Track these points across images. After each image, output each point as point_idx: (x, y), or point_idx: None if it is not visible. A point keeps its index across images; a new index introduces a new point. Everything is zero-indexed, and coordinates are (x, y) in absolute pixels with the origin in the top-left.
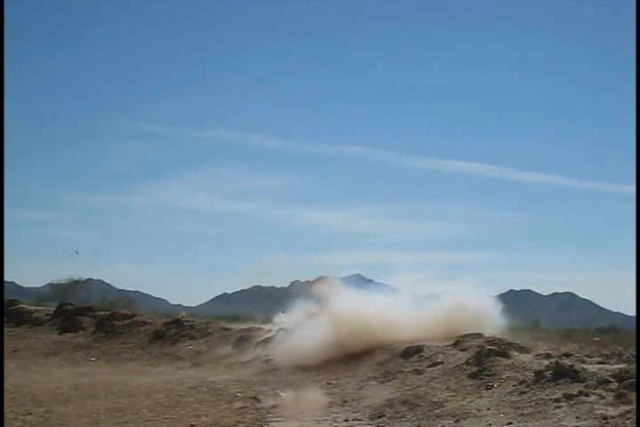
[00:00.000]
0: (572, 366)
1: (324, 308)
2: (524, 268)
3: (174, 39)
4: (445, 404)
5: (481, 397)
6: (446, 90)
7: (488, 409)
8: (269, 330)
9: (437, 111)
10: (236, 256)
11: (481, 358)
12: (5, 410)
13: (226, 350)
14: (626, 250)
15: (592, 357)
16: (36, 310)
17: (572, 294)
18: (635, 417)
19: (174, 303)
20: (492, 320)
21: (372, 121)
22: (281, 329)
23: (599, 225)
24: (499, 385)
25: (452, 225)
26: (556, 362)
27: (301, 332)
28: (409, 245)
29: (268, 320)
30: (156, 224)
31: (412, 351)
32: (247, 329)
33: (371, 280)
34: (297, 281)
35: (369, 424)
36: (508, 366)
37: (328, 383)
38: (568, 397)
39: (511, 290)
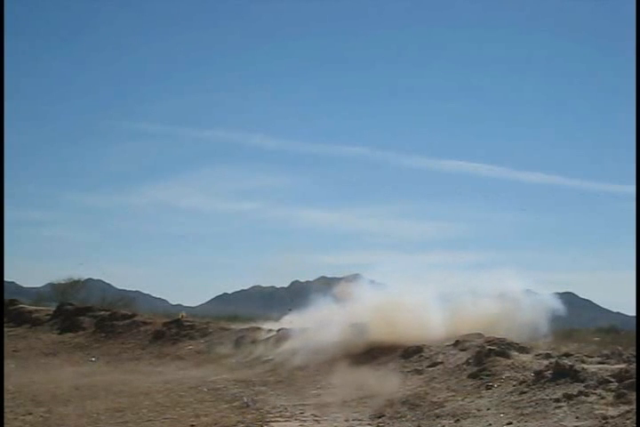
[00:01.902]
0: (572, 366)
1: (343, 306)
2: (524, 268)
3: (174, 39)
4: (445, 404)
5: (481, 397)
6: (446, 90)
7: (488, 409)
8: (270, 330)
9: (437, 111)
10: (235, 256)
11: (481, 358)
12: (5, 410)
13: (226, 349)
14: (626, 250)
15: (592, 357)
16: (36, 310)
17: (572, 294)
18: (635, 417)
19: (174, 303)
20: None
21: (372, 121)
22: (282, 329)
23: (599, 225)
24: (499, 385)
25: (452, 225)
26: (556, 362)
27: (305, 332)
28: (409, 245)
29: (277, 319)
30: (156, 224)
31: (412, 351)
32: (247, 329)
33: (371, 280)
34: (297, 281)
35: (369, 424)
36: (508, 366)
37: (328, 383)
38: (568, 397)
39: None
